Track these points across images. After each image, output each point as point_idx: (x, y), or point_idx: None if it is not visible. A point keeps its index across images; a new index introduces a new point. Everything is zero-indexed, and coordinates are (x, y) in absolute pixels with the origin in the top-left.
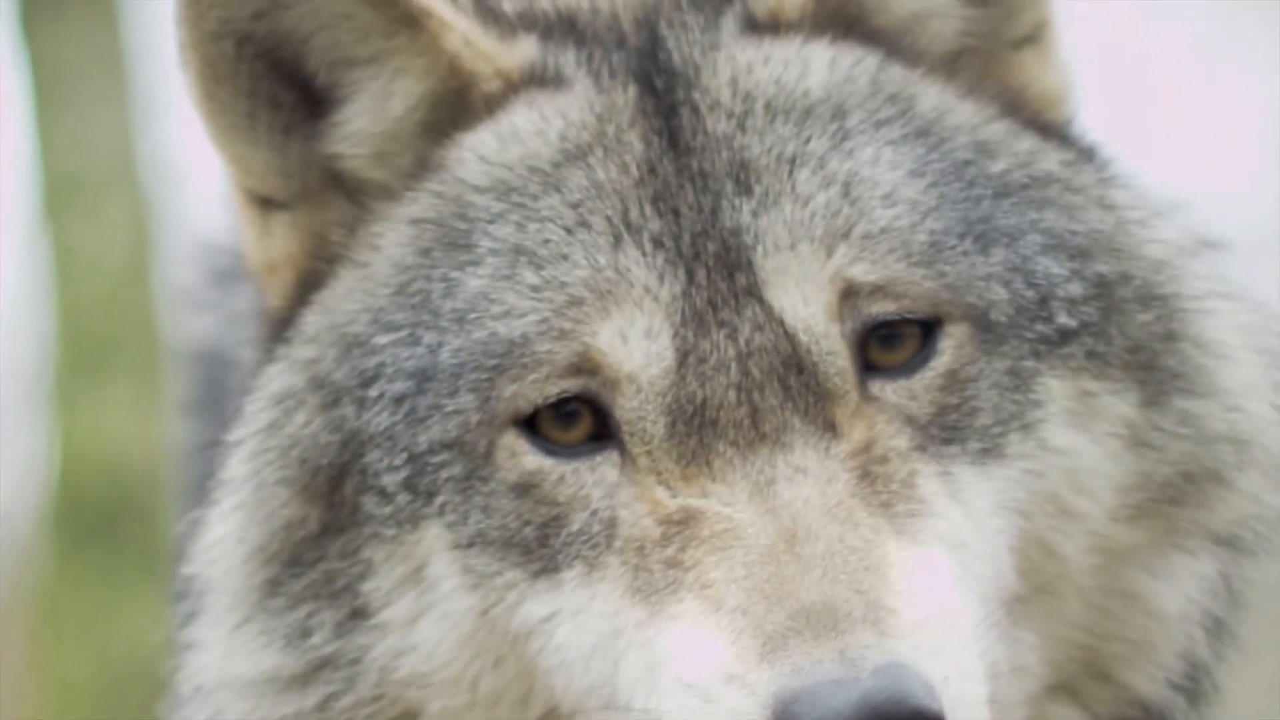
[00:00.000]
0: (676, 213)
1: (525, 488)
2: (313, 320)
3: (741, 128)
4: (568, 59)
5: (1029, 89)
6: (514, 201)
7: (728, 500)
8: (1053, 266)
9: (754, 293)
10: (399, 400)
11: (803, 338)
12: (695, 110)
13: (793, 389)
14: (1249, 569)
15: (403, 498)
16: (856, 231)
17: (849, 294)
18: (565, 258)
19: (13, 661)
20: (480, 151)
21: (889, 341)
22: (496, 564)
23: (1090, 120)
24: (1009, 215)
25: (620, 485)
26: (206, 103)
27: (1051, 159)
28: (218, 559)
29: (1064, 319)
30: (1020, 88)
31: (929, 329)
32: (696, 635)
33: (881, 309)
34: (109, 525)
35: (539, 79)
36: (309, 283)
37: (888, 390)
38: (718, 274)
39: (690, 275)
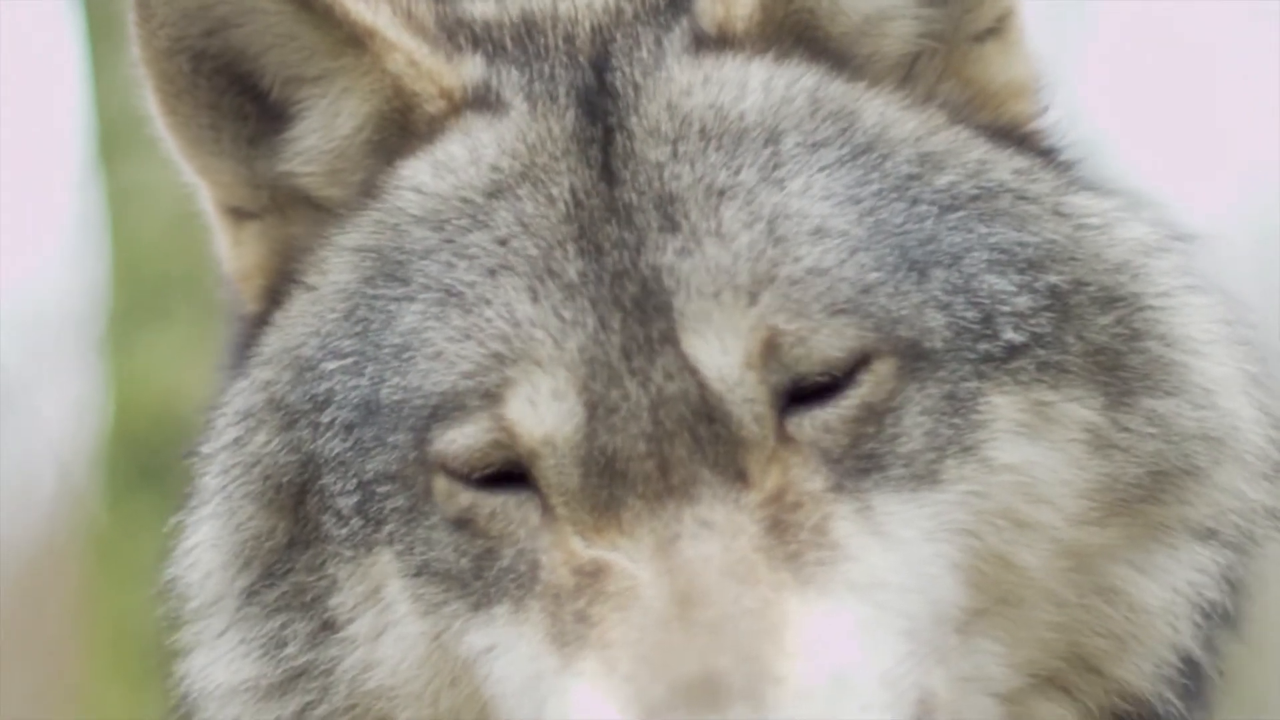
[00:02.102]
0: (599, 250)
1: (461, 522)
2: (270, 341)
3: (674, 156)
4: (510, 80)
5: (991, 85)
6: (445, 236)
7: (633, 556)
8: (999, 282)
9: (670, 340)
10: (348, 428)
11: (717, 386)
12: (630, 136)
13: (703, 439)
14: (1236, 562)
15: (356, 522)
16: (782, 275)
17: (771, 343)
18: (488, 303)
19: (66, 604)
20: (416, 179)
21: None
22: (442, 594)
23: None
24: (954, 231)
25: (541, 530)
26: (168, 117)
27: (1004, 168)
28: (196, 564)
29: (1011, 334)
30: (983, 84)
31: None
32: (592, 699)
33: (806, 368)
34: (162, 468)
35: (479, 102)
36: (274, 298)
37: (805, 425)
38: (634, 318)
39: (604, 321)
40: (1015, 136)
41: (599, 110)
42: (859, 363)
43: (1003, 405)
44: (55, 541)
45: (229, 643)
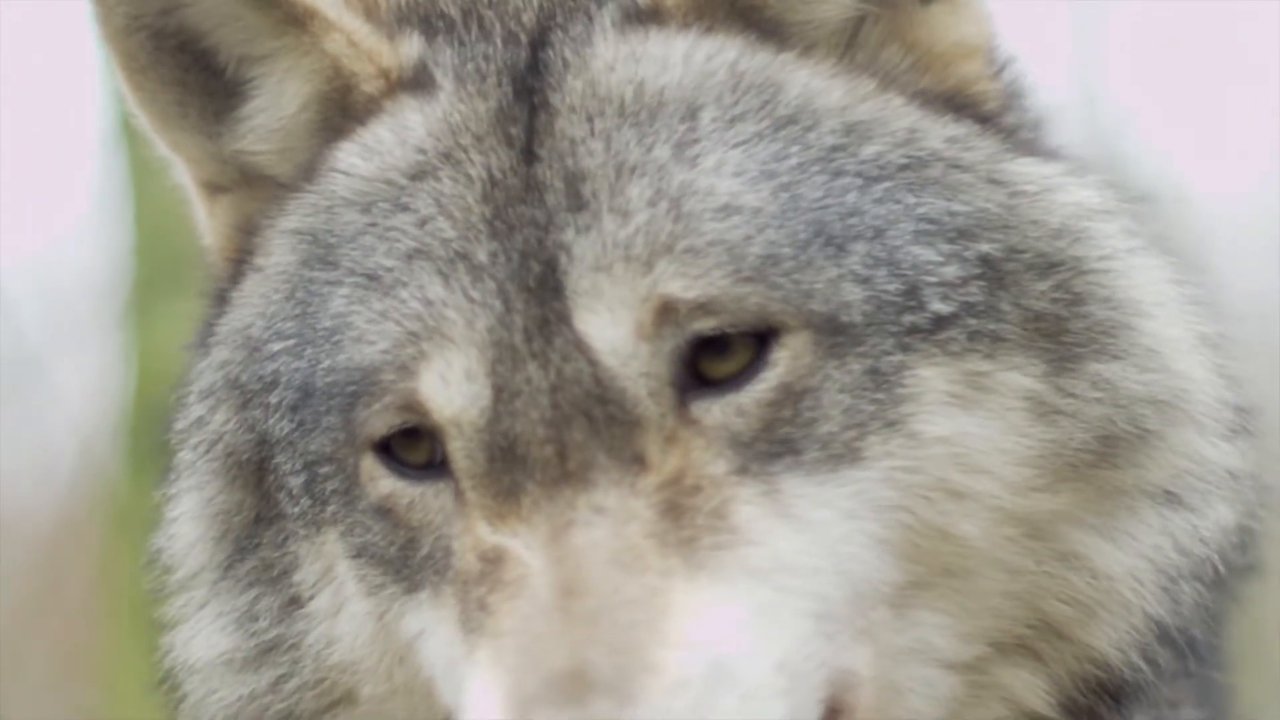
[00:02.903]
0: (511, 231)
1: (384, 510)
2: (227, 319)
3: (591, 133)
4: (444, 60)
5: (937, 47)
6: (370, 219)
7: (528, 543)
8: (926, 253)
9: (566, 319)
10: (293, 409)
11: (608, 362)
12: (553, 114)
13: (599, 422)
14: (1202, 524)
15: (305, 501)
16: (680, 247)
17: (667, 311)
18: (405, 285)
19: (87, 574)
20: (348, 161)
21: (720, 353)
22: (380, 576)
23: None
24: (880, 203)
25: (454, 515)
26: (135, 93)
27: (936, 136)
28: (178, 537)
29: (938, 305)
30: (928, 47)
31: (763, 340)
32: (483, 687)
33: (702, 324)
34: None
35: (414, 83)
36: (235, 275)
37: (713, 410)
38: (536, 299)
39: (509, 303)
40: (958, 101)
41: (528, 88)
42: (768, 337)
43: (931, 377)
44: (76, 512)
45: (209, 615)
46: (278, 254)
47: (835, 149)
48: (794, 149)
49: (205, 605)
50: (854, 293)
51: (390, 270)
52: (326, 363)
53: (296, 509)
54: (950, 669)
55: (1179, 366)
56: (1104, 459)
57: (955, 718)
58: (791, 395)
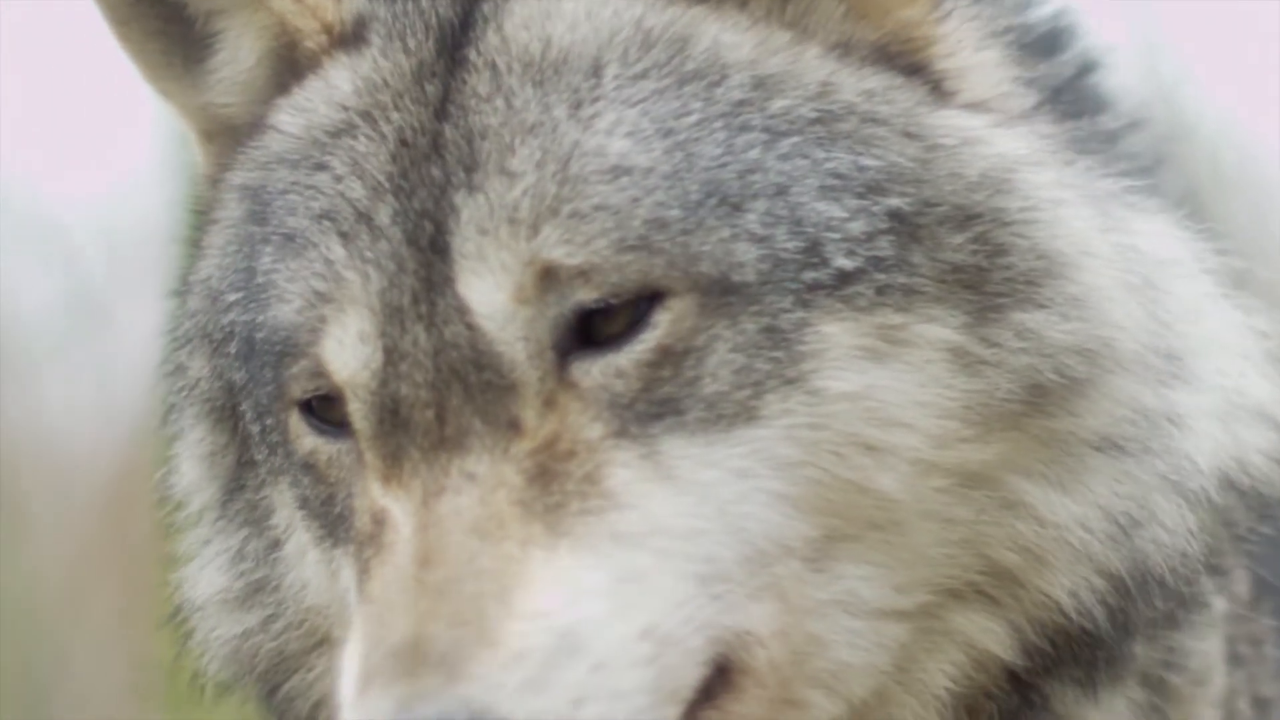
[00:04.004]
0: (413, 191)
1: (309, 465)
2: (196, 269)
3: (497, 90)
4: (380, 15)
5: None
6: (295, 177)
7: (404, 509)
8: (831, 209)
9: (450, 281)
10: (244, 360)
11: (486, 325)
12: (468, 71)
13: (474, 386)
14: (1147, 473)
15: (262, 450)
16: (565, 210)
17: (548, 277)
18: (315, 246)
19: (148, 517)
20: (282, 118)
21: (607, 313)
22: (319, 529)
23: None
24: (785, 159)
25: (356, 475)
26: (123, 44)
27: (851, 89)
28: (183, 474)
29: (842, 261)
30: None
31: (649, 301)
32: (346, 656)
33: (585, 295)
34: None
35: (352, 38)
36: (201, 225)
37: (594, 371)
38: (425, 262)
39: (402, 264)
40: (891, 49)
41: (456, 44)
42: (651, 300)
43: (836, 333)
44: (139, 456)
45: (211, 553)
46: (229, 208)
47: (741, 104)
48: (696, 105)
49: (208, 543)
50: (749, 252)
51: (304, 230)
52: (260, 318)
53: (260, 456)
54: (884, 619)
55: (1108, 315)
56: (1036, 408)
57: (911, 663)
58: (672, 356)
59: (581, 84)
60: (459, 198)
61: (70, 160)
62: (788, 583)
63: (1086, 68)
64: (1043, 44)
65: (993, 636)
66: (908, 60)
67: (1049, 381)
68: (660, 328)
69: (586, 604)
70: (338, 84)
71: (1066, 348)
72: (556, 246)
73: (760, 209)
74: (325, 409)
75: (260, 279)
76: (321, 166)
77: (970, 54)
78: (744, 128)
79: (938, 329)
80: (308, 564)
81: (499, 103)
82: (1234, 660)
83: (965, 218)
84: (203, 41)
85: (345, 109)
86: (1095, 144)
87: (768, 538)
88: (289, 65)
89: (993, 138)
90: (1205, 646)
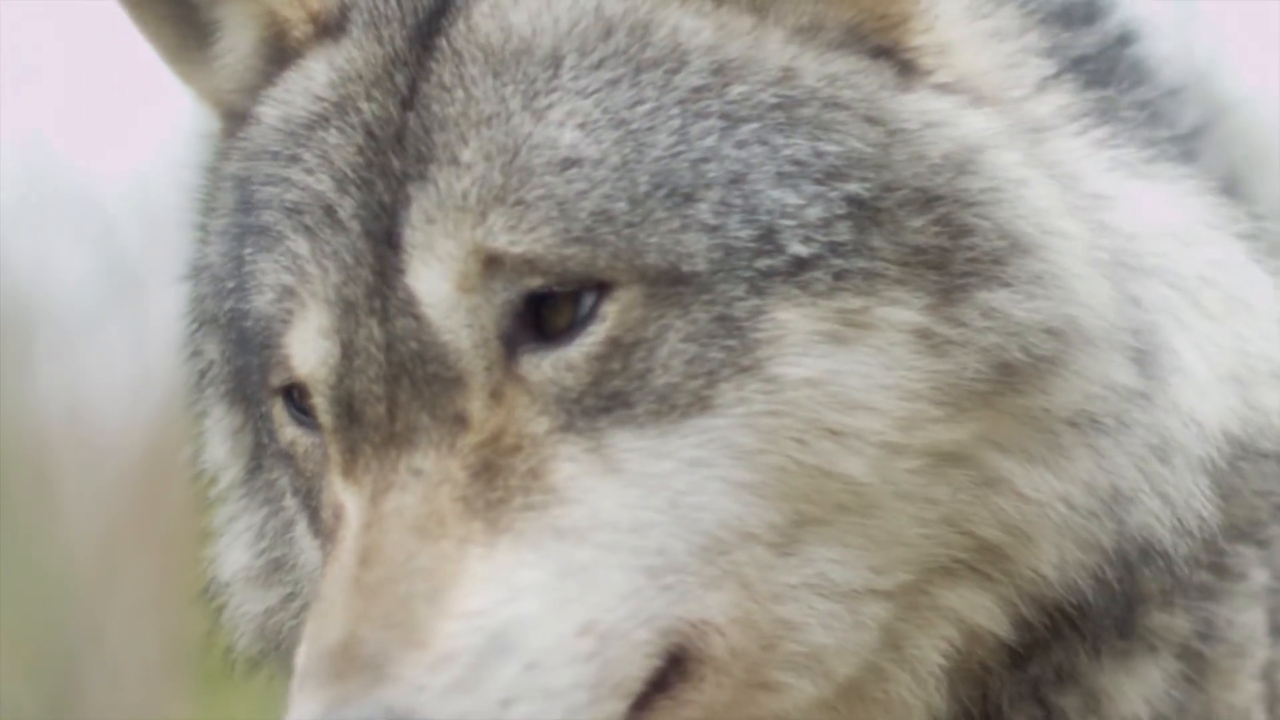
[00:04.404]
0: (375, 182)
1: (289, 455)
2: (204, 254)
3: (460, 79)
4: (361, 3)
5: None
6: (272, 170)
7: (356, 505)
8: (787, 196)
9: (402, 273)
10: (241, 346)
11: (432, 316)
12: (437, 60)
13: (421, 379)
14: (1132, 447)
15: (265, 434)
16: (511, 200)
17: (493, 265)
18: (285, 239)
19: (182, 490)
20: (265, 110)
21: (557, 306)
22: (306, 517)
23: None
24: (743, 146)
25: (325, 467)
26: (141, 28)
27: (813, 74)
28: (212, 450)
29: (798, 247)
30: None
31: (599, 294)
32: (298, 653)
33: (529, 282)
34: None
35: (334, 27)
36: (206, 210)
37: (544, 365)
38: (380, 255)
39: (359, 258)
40: (861, 30)
41: (429, 32)
42: (601, 293)
43: (792, 319)
44: (172, 430)
45: (237, 530)
46: (224, 196)
47: (699, 90)
48: (652, 93)
49: (234, 520)
50: (699, 241)
51: (276, 223)
52: (246, 307)
53: (265, 439)
54: (862, 599)
55: (1073, 293)
56: (1007, 386)
57: (903, 640)
58: (620, 349)
59: (539, 74)
60: (413, 189)
61: (107, 135)
62: (751, 569)
63: (1125, 38)
64: (1074, 13)
65: (984, 612)
66: (879, 40)
67: (1016, 360)
68: (608, 320)
69: (521, 602)
70: (315, 75)
71: (1032, 326)
72: (501, 235)
73: (713, 198)
74: (302, 399)
75: (246, 268)
76: (295, 159)
77: (955, 27)
78: (701, 115)
79: (901, 311)
80: (311, 547)
81: (459, 93)
82: (1276, 632)
83: (927, 200)
84: (208, 27)
85: (320, 100)
86: (1123, 112)
87: (726, 526)
88: (278, 55)
89: (959, 119)
90: (1245, 618)
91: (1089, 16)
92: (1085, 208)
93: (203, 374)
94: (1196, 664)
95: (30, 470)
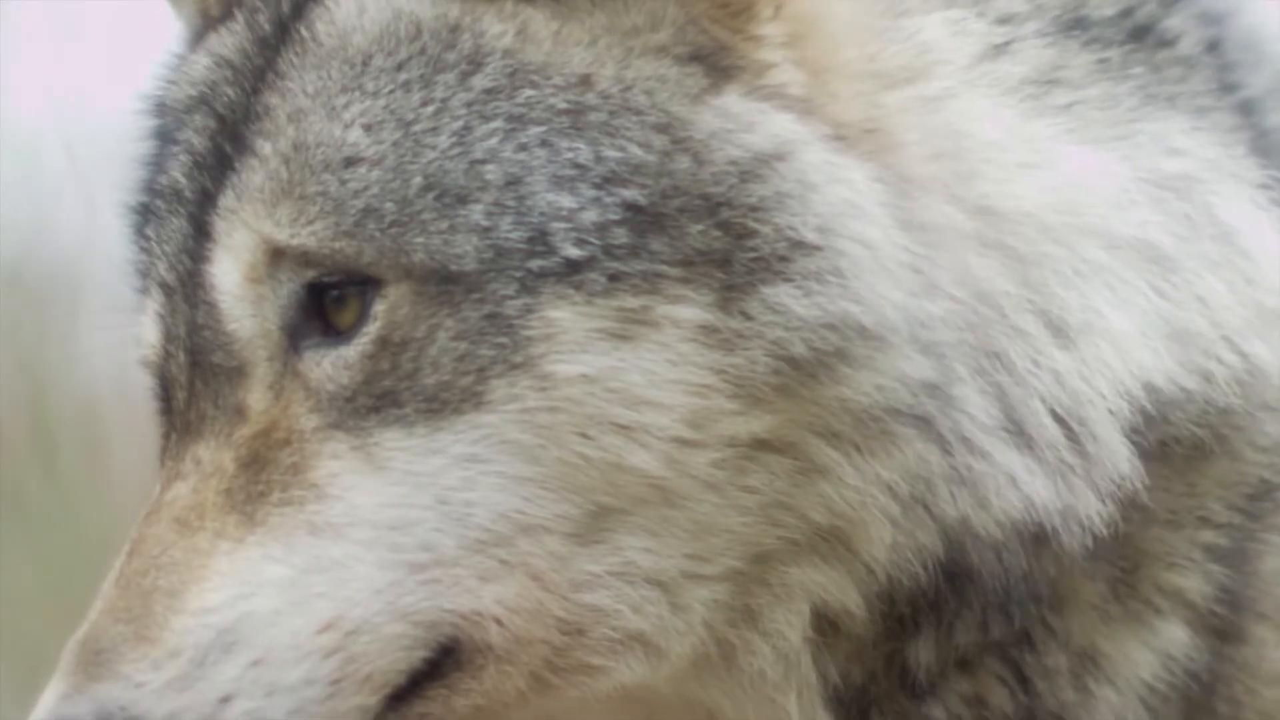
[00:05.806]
0: (213, 169)
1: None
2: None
3: (291, 70)
4: None
5: None
6: (156, 151)
7: (152, 496)
8: (564, 199)
9: (208, 261)
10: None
11: (223, 304)
12: (286, 47)
13: (210, 368)
14: (932, 440)
15: None
16: (295, 195)
17: (278, 258)
18: (149, 221)
19: None
20: (164, 94)
21: (341, 304)
22: None
23: None
24: (524, 149)
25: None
26: (170, 4)
27: (608, 78)
28: None
29: (571, 250)
30: None
31: (372, 292)
32: None
33: (306, 274)
34: None
35: (224, 14)
36: None
37: (324, 363)
38: (198, 243)
39: (184, 245)
40: (694, 28)
41: (289, 20)
42: (369, 288)
43: (565, 318)
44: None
45: None
46: (135, 175)
47: (491, 92)
48: (442, 94)
49: None
50: (469, 242)
51: (144, 205)
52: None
53: None
54: (681, 584)
55: (854, 291)
56: (800, 379)
57: (757, 616)
58: (390, 347)
59: (346, 72)
60: (230, 177)
61: None
62: (541, 560)
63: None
64: None
65: (837, 589)
66: (716, 33)
67: (800, 354)
68: (379, 319)
69: (259, 598)
70: (196, 61)
71: (812, 321)
72: (283, 228)
73: (488, 199)
74: None
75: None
76: (172, 142)
77: (812, 12)
78: (487, 117)
79: (685, 309)
80: None
81: (286, 85)
82: None
83: (708, 207)
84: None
85: (195, 85)
86: (1132, 69)
87: (505, 519)
88: (198, 37)
89: (761, 124)
90: (1272, 579)
91: None
92: (979, 175)
93: None
94: (1218, 626)
95: (81, 439)
